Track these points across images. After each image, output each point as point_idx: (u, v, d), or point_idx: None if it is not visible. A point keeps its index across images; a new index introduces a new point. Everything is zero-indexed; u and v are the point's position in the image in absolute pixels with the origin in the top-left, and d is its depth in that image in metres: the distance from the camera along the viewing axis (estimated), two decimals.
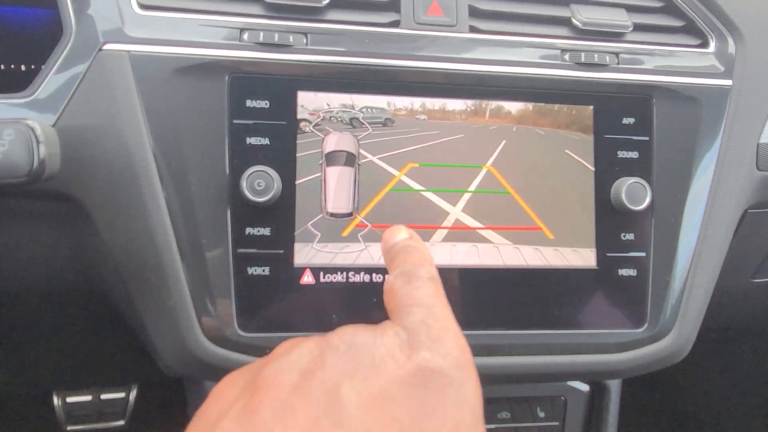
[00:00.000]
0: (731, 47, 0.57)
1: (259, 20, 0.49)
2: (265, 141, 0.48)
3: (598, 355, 0.53)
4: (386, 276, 0.39)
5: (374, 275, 0.49)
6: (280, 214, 0.48)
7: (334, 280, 0.48)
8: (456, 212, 0.50)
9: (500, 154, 0.51)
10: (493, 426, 0.61)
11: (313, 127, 0.49)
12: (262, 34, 0.48)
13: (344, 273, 0.49)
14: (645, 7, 0.56)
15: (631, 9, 0.56)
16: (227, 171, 0.47)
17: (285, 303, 0.48)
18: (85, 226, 0.49)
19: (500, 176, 0.51)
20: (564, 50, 0.53)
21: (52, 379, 0.98)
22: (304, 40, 0.49)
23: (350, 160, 0.49)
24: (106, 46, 0.46)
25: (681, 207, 0.54)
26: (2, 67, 0.60)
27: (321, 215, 0.48)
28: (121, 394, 1.05)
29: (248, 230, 0.47)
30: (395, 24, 0.51)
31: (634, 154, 0.53)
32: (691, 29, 0.57)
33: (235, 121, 0.47)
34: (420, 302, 0.35)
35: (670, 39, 0.56)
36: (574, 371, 0.53)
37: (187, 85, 0.47)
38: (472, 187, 0.51)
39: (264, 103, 0.48)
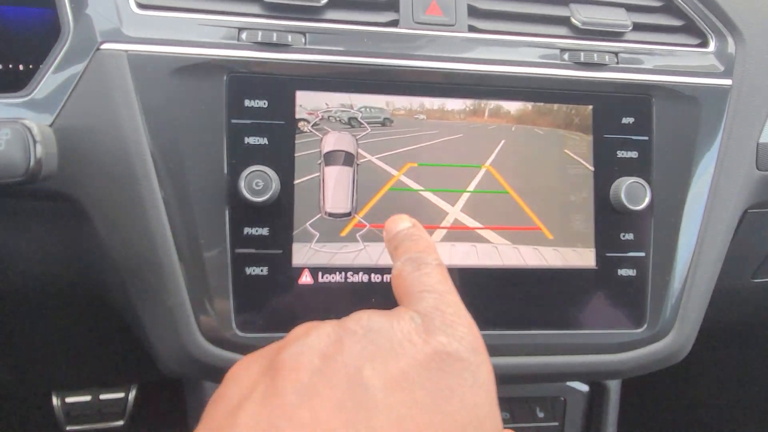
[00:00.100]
0: (731, 47, 0.57)
1: (258, 20, 0.49)
2: (264, 141, 0.48)
3: (598, 356, 0.52)
4: (394, 263, 0.40)
5: (373, 275, 0.49)
6: (279, 214, 0.48)
7: (333, 280, 0.48)
8: (455, 212, 0.50)
9: (499, 154, 0.51)
10: None
11: (312, 126, 0.49)
12: (260, 33, 0.48)
13: (343, 273, 0.48)
14: (644, 6, 0.56)
15: (630, 8, 0.56)
16: (225, 171, 0.47)
17: (283, 303, 0.48)
18: (82, 226, 0.48)
19: (499, 176, 0.51)
20: (563, 50, 0.53)
21: (51, 380, 0.98)
22: (303, 40, 0.49)
23: (349, 159, 0.49)
24: (104, 46, 0.46)
25: (680, 207, 0.54)
26: (0, 66, 0.60)
27: (319, 215, 0.48)
28: (121, 395, 1.05)
29: (246, 230, 0.47)
30: (394, 23, 0.51)
31: (633, 154, 0.53)
32: (690, 29, 0.57)
33: (234, 121, 0.47)
34: (431, 288, 0.36)
35: (669, 38, 0.56)
36: (573, 371, 0.53)
37: (185, 84, 0.47)
38: (471, 187, 0.51)
39: (262, 103, 0.48)
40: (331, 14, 0.50)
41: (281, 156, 0.48)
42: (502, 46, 0.52)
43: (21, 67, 0.60)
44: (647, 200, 0.51)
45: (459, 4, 0.52)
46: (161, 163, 0.46)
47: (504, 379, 0.55)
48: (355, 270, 0.49)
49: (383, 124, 0.50)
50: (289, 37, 0.48)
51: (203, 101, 0.47)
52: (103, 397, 1.04)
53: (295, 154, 0.48)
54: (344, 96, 0.49)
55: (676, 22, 0.57)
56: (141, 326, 0.50)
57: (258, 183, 0.45)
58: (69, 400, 1.04)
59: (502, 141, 0.51)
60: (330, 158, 0.49)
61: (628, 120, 0.53)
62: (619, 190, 0.51)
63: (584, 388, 0.62)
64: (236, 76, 0.47)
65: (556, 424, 0.62)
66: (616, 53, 0.54)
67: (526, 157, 0.52)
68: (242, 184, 0.45)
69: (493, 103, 0.52)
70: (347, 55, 0.49)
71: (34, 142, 0.40)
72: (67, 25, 0.47)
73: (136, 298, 0.49)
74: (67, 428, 1.05)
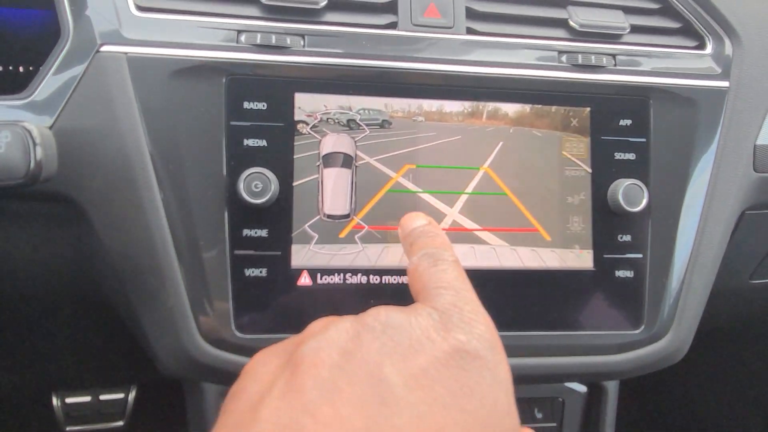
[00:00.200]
0: (728, 49, 0.57)
1: (257, 22, 0.49)
2: (263, 143, 0.48)
3: (596, 357, 0.53)
4: (410, 258, 0.40)
5: (371, 277, 0.49)
6: (278, 216, 0.48)
7: (332, 282, 0.48)
8: (453, 214, 0.50)
9: (497, 156, 0.51)
10: None
11: (311, 128, 0.49)
12: (259, 35, 0.48)
13: (341, 274, 0.49)
14: (642, 8, 0.57)
15: (628, 11, 0.56)
16: (224, 173, 0.47)
17: (282, 304, 0.48)
18: (82, 227, 0.49)
19: (497, 178, 0.51)
20: (561, 52, 0.53)
21: (51, 380, 0.98)
22: (302, 42, 0.49)
23: (347, 161, 0.49)
24: (104, 48, 0.46)
25: (678, 208, 0.54)
26: (0, 68, 0.61)
27: (318, 217, 0.49)
28: (120, 395, 1.06)
29: (245, 232, 0.47)
30: (392, 26, 0.51)
31: (631, 156, 0.53)
32: (688, 31, 0.57)
33: (233, 123, 0.47)
34: (448, 285, 0.36)
35: (667, 41, 0.57)
36: (571, 372, 0.53)
37: (184, 86, 0.47)
38: (470, 189, 0.51)
39: (261, 105, 0.48)
40: (329, 16, 0.50)
41: (280, 158, 0.48)
42: (500, 48, 0.52)
43: (21, 69, 0.60)
44: (645, 202, 0.51)
45: (457, 6, 0.52)
46: (161, 164, 0.46)
47: None
48: (354, 271, 0.49)
49: (382, 126, 0.50)
50: (288, 40, 0.48)
51: (202, 103, 0.47)
52: (103, 397, 1.05)
53: (294, 156, 0.48)
54: (343, 98, 0.49)
55: (674, 25, 0.57)
56: (140, 327, 0.50)
57: (257, 185, 0.46)
58: (69, 400, 1.04)
59: (500, 143, 0.52)
60: (329, 160, 0.49)
61: (625, 122, 0.53)
62: (617, 191, 0.51)
63: (582, 389, 0.62)
64: (235, 78, 0.48)
65: (555, 424, 0.62)
66: (613, 55, 0.54)
67: (524, 159, 0.52)
68: (241, 185, 0.46)
69: (491, 105, 0.52)
70: (346, 57, 0.49)
71: (34, 144, 0.40)
72: (67, 27, 0.47)
73: (136, 299, 0.49)
74: (67, 428, 1.05)
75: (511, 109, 0.52)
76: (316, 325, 0.36)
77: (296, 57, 0.49)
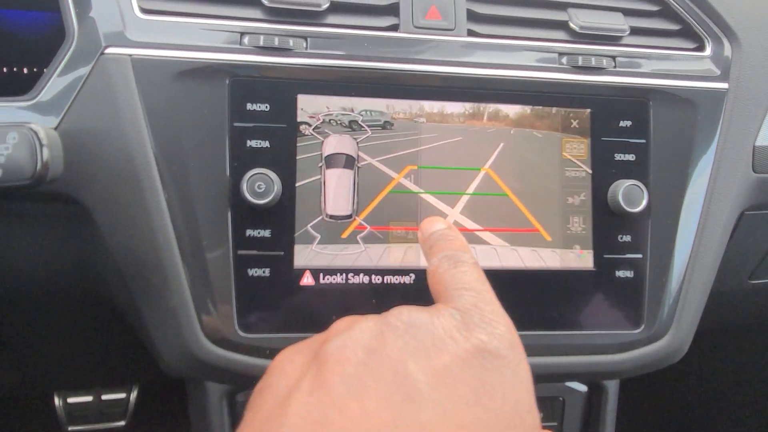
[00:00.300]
0: (727, 50, 0.57)
1: (260, 24, 0.49)
2: (266, 144, 0.48)
3: (596, 356, 0.53)
4: (430, 260, 0.41)
5: (373, 277, 0.49)
6: (280, 216, 0.48)
7: (334, 282, 0.49)
8: (454, 214, 0.51)
9: (498, 157, 0.52)
10: None
11: (313, 129, 0.49)
12: (262, 38, 0.48)
13: (344, 274, 0.49)
14: (641, 11, 0.57)
15: (627, 13, 0.56)
16: (228, 173, 0.47)
17: (285, 304, 0.48)
18: (87, 228, 0.49)
19: (498, 178, 0.52)
20: (561, 54, 0.54)
21: (53, 380, 0.98)
22: (304, 44, 0.49)
23: (349, 162, 0.50)
24: (108, 50, 0.46)
25: (678, 209, 0.54)
26: (5, 70, 0.61)
27: (320, 217, 0.49)
28: (122, 395, 1.06)
29: (249, 232, 0.48)
30: (394, 28, 0.52)
31: (631, 157, 0.54)
32: (687, 33, 0.58)
33: (236, 124, 0.48)
34: (469, 286, 0.37)
35: (666, 42, 0.57)
36: (572, 372, 0.54)
37: (188, 88, 0.47)
38: (471, 190, 0.51)
39: (264, 107, 0.48)
40: (332, 19, 0.51)
41: (283, 159, 0.48)
42: (501, 50, 0.53)
43: (26, 71, 0.61)
44: (644, 202, 0.52)
45: (458, 8, 0.53)
46: (164, 165, 0.46)
47: None
48: (356, 271, 0.49)
49: (384, 127, 0.50)
50: (291, 42, 0.49)
51: (206, 105, 0.47)
52: (104, 397, 1.05)
53: (297, 157, 0.49)
54: (345, 99, 0.50)
55: (673, 27, 0.57)
56: (144, 327, 0.51)
57: (260, 185, 0.46)
58: (71, 400, 1.04)
59: (501, 144, 0.52)
60: (331, 161, 0.49)
61: (625, 123, 0.54)
62: (617, 192, 0.52)
63: (583, 388, 0.63)
64: (238, 80, 0.48)
65: (555, 424, 0.62)
66: (613, 57, 0.54)
67: (524, 160, 0.52)
68: (244, 186, 0.46)
69: (492, 107, 0.52)
70: (348, 59, 0.50)
71: (41, 145, 0.40)
72: (72, 29, 0.47)
73: (139, 299, 0.49)
74: (69, 428, 1.05)
75: (511, 110, 0.52)
76: (340, 324, 0.36)
77: (299, 59, 0.49)
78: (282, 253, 0.48)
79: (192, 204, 0.47)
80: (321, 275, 0.49)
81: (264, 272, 0.48)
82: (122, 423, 1.06)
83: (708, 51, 0.57)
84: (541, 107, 0.53)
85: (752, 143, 0.57)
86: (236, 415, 0.57)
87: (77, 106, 0.46)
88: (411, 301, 0.50)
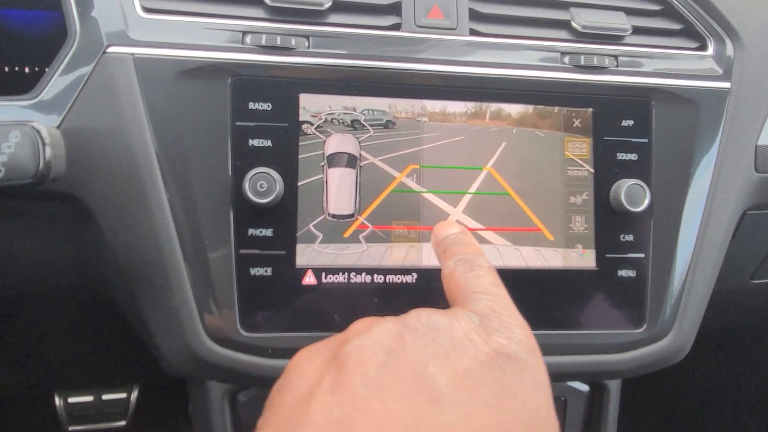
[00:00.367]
0: (729, 50, 0.57)
1: (262, 23, 0.49)
2: (268, 143, 0.48)
3: (598, 356, 0.53)
4: (445, 263, 0.41)
5: (375, 276, 0.49)
6: (282, 216, 0.48)
7: (336, 281, 0.49)
8: (456, 213, 0.51)
9: (500, 156, 0.52)
10: None
11: (315, 129, 0.49)
12: (264, 37, 0.48)
13: (346, 274, 0.49)
14: (644, 10, 0.57)
15: (630, 12, 0.56)
16: (230, 173, 0.47)
17: (287, 303, 0.48)
18: (88, 227, 0.49)
19: (500, 178, 0.52)
20: (564, 53, 0.54)
21: (53, 380, 0.98)
22: (306, 43, 0.49)
23: (352, 161, 0.50)
24: (110, 49, 0.46)
25: (680, 208, 0.54)
26: (7, 69, 0.61)
27: (322, 216, 0.49)
28: (123, 395, 1.06)
29: (251, 231, 0.48)
30: (396, 27, 0.52)
31: (633, 156, 0.54)
32: (689, 32, 0.58)
33: (238, 123, 0.48)
34: (485, 290, 0.37)
35: (668, 42, 0.57)
36: (574, 371, 0.53)
37: (190, 87, 0.47)
38: (473, 189, 0.51)
39: (266, 106, 0.48)
40: (334, 18, 0.51)
41: (285, 158, 0.48)
42: (503, 49, 0.53)
43: (28, 70, 0.60)
44: (647, 202, 0.52)
45: (460, 7, 0.53)
46: (166, 164, 0.46)
47: None
48: (358, 271, 0.49)
49: (386, 126, 0.50)
50: (293, 41, 0.49)
51: (208, 104, 0.47)
52: (105, 397, 1.05)
53: (299, 156, 0.49)
54: (347, 99, 0.50)
55: (675, 26, 0.57)
56: (145, 326, 0.51)
57: (262, 185, 0.46)
58: (71, 400, 1.04)
59: (504, 143, 0.52)
60: (333, 160, 0.49)
61: (627, 122, 0.54)
62: (619, 191, 0.52)
63: (584, 388, 0.63)
64: (240, 79, 0.48)
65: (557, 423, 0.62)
66: (615, 56, 0.54)
67: (527, 159, 0.52)
68: (246, 185, 0.46)
69: (494, 106, 0.52)
70: (350, 58, 0.50)
71: (44, 144, 0.40)
72: (74, 28, 0.47)
73: (141, 298, 0.49)
74: (70, 428, 1.05)
75: (514, 109, 0.52)
76: (358, 325, 0.36)
77: (301, 58, 0.49)
78: (284, 252, 0.48)
79: (194, 203, 0.47)
80: (323, 274, 0.49)
81: (266, 271, 0.48)
82: (123, 423, 1.06)
83: (710, 50, 0.57)
84: (543, 106, 0.53)
85: (754, 143, 0.57)
86: (238, 414, 0.57)
87: (79, 105, 0.46)
88: (413, 300, 0.50)
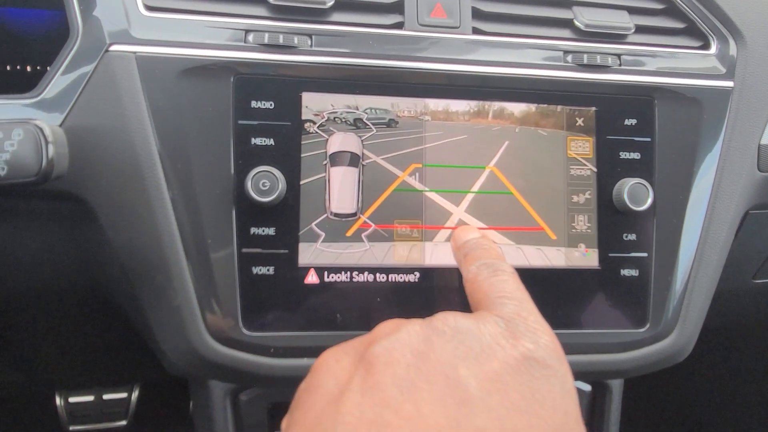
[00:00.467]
0: (732, 49, 0.57)
1: (264, 22, 0.49)
2: (270, 141, 0.48)
3: (600, 355, 0.53)
4: (467, 267, 0.41)
5: (378, 275, 0.49)
6: (285, 214, 0.48)
7: (339, 280, 0.49)
8: (459, 212, 0.51)
9: (503, 155, 0.52)
10: None
11: (318, 127, 0.49)
12: (266, 35, 0.48)
13: (348, 273, 0.49)
14: (646, 9, 0.57)
15: (632, 11, 0.56)
16: (232, 171, 0.47)
17: (289, 302, 0.48)
18: (91, 225, 0.49)
19: (503, 177, 0.52)
20: (566, 52, 0.54)
21: (54, 379, 0.98)
22: (309, 42, 0.49)
23: (354, 160, 0.49)
24: (113, 48, 0.46)
25: (683, 208, 0.54)
26: (9, 68, 0.61)
27: (325, 215, 0.49)
28: (124, 395, 1.06)
29: (253, 230, 0.47)
30: (399, 26, 0.52)
31: (636, 155, 0.54)
32: (692, 31, 0.58)
33: (240, 122, 0.48)
34: (510, 295, 0.37)
35: (671, 41, 0.57)
36: (576, 371, 0.52)
37: (192, 86, 0.47)
38: (476, 188, 0.51)
39: (269, 104, 0.48)
40: (336, 16, 0.51)
41: (287, 157, 0.48)
42: (506, 48, 0.53)
43: (30, 69, 0.60)
44: (650, 201, 0.52)
45: (463, 6, 0.53)
46: (169, 163, 0.46)
47: None
48: (361, 270, 0.49)
49: (388, 125, 0.50)
50: (296, 39, 0.49)
51: (210, 102, 0.47)
52: (106, 397, 1.05)
53: (301, 155, 0.49)
54: (350, 97, 0.50)
55: (678, 25, 0.57)
56: (148, 326, 0.50)
57: (264, 183, 0.46)
58: (72, 399, 1.04)
59: (506, 142, 0.52)
60: (336, 159, 0.49)
61: (630, 121, 0.54)
62: (622, 190, 0.51)
63: (587, 387, 0.63)
64: (243, 77, 0.48)
65: None
66: (618, 55, 0.54)
67: (529, 158, 0.52)
68: (249, 184, 0.46)
69: (497, 105, 0.52)
70: (353, 56, 0.50)
71: (46, 142, 0.40)
72: (76, 27, 0.47)
73: (143, 297, 0.49)
74: (70, 428, 1.05)
75: (516, 108, 0.52)
76: (385, 327, 0.36)
77: (303, 56, 0.49)
78: (286, 251, 0.48)
79: (196, 202, 0.47)
80: (325, 273, 0.49)
81: (268, 270, 0.48)
82: (123, 423, 1.06)
83: (713, 49, 0.57)
84: (546, 105, 0.53)
85: (757, 142, 0.57)
86: (239, 414, 0.56)
87: (81, 103, 0.46)
88: (415, 299, 0.50)
